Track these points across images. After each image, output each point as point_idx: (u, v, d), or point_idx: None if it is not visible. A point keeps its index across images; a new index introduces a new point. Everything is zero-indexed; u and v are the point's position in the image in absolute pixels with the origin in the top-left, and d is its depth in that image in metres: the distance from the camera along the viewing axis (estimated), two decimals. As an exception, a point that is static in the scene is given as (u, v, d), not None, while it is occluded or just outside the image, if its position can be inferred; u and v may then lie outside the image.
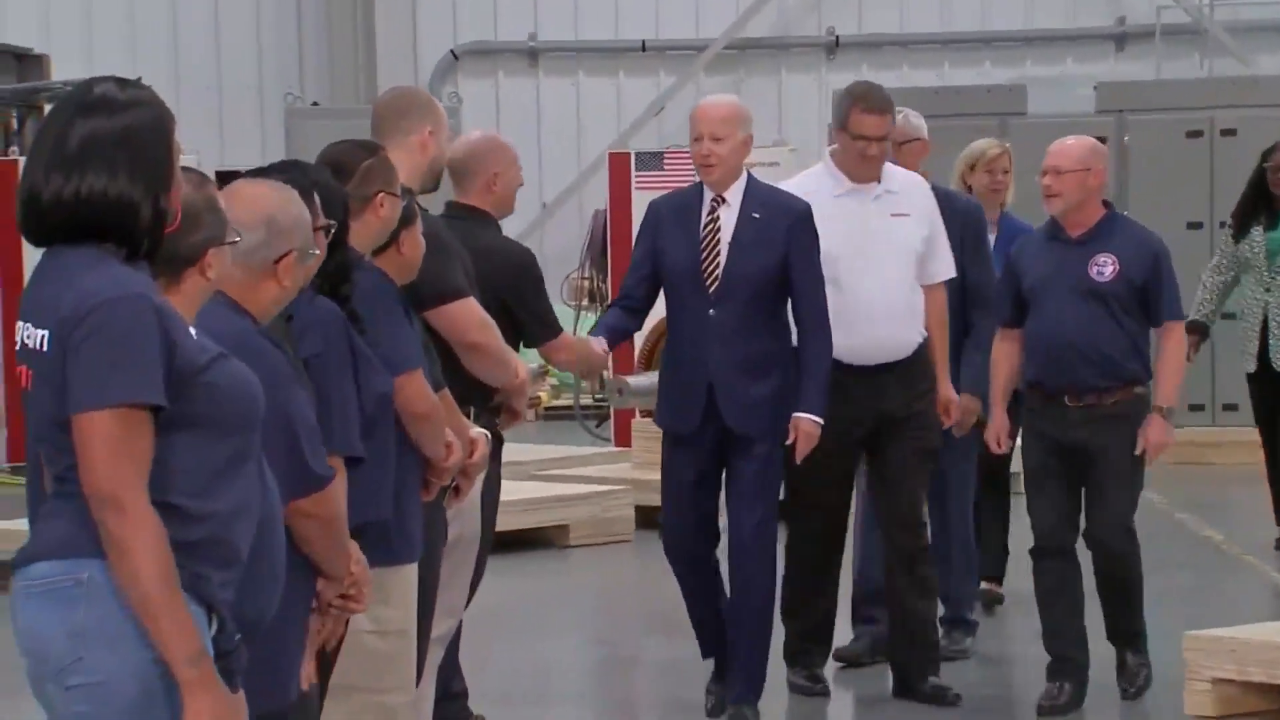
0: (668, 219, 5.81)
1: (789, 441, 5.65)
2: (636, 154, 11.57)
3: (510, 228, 19.34)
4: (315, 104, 15.85)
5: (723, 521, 5.83)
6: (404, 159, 4.92)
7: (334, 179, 4.08)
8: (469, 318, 5.00)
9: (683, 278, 5.73)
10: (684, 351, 5.74)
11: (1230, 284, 8.29)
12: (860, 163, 6.00)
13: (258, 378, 3.14)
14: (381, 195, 4.31)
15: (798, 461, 5.68)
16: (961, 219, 6.45)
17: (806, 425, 5.65)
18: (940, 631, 6.46)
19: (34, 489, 3.20)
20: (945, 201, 6.43)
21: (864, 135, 5.95)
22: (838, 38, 16.54)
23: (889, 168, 6.12)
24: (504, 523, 8.49)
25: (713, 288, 5.68)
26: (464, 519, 5.08)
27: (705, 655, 5.94)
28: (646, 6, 16.62)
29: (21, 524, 8.39)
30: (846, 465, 6.05)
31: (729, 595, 5.82)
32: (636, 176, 11.09)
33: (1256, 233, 8.23)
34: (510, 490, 8.91)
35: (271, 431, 3.30)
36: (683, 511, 5.77)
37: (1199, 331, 8.18)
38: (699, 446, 5.71)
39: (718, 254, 5.70)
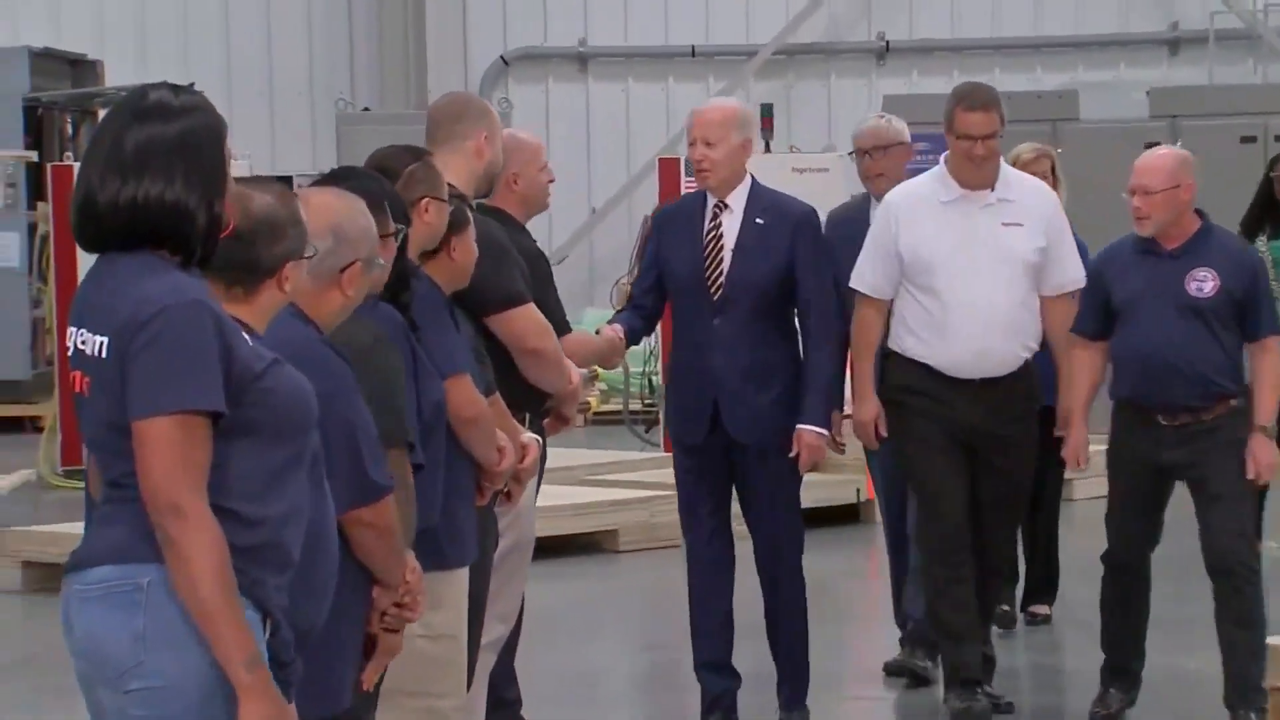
0: (671, 226, 5.74)
1: (792, 454, 5.56)
2: (686, 159, 11.55)
3: (559, 232, 19.22)
4: (366, 109, 15.92)
5: (740, 528, 5.78)
6: (460, 164, 4.94)
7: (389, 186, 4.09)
8: (529, 324, 5.00)
9: (686, 286, 5.65)
10: (689, 361, 5.67)
11: None
12: (967, 164, 5.79)
13: (321, 386, 3.16)
14: (426, 200, 4.31)
15: (802, 473, 5.59)
16: None
17: (809, 437, 5.56)
18: (904, 650, 6.42)
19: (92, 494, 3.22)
20: None
21: (969, 134, 5.75)
22: (888, 43, 16.49)
23: (1011, 174, 5.91)
24: (554, 527, 8.53)
25: (716, 295, 5.61)
26: (518, 526, 5.09)
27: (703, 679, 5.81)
28: (696, 12, 16.62)
29: (76, 527, 8.44)
30: (955, 464, 5.79)
31: (764, 607, 5.77)
32: (686, 182, 11.06)
33: (1260, 242, 8.16)
34: (560, 495, 8.95)
35: (333, 440, 3.32)
36: (698, 521, 5.72)
37: None
38: (709, 457, 5.65)
39: (721, 261, 5.62)
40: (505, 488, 4.59)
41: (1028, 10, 16.40)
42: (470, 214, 4.62)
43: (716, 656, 5.78)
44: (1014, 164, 6.95)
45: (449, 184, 4.56)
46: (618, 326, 5.73)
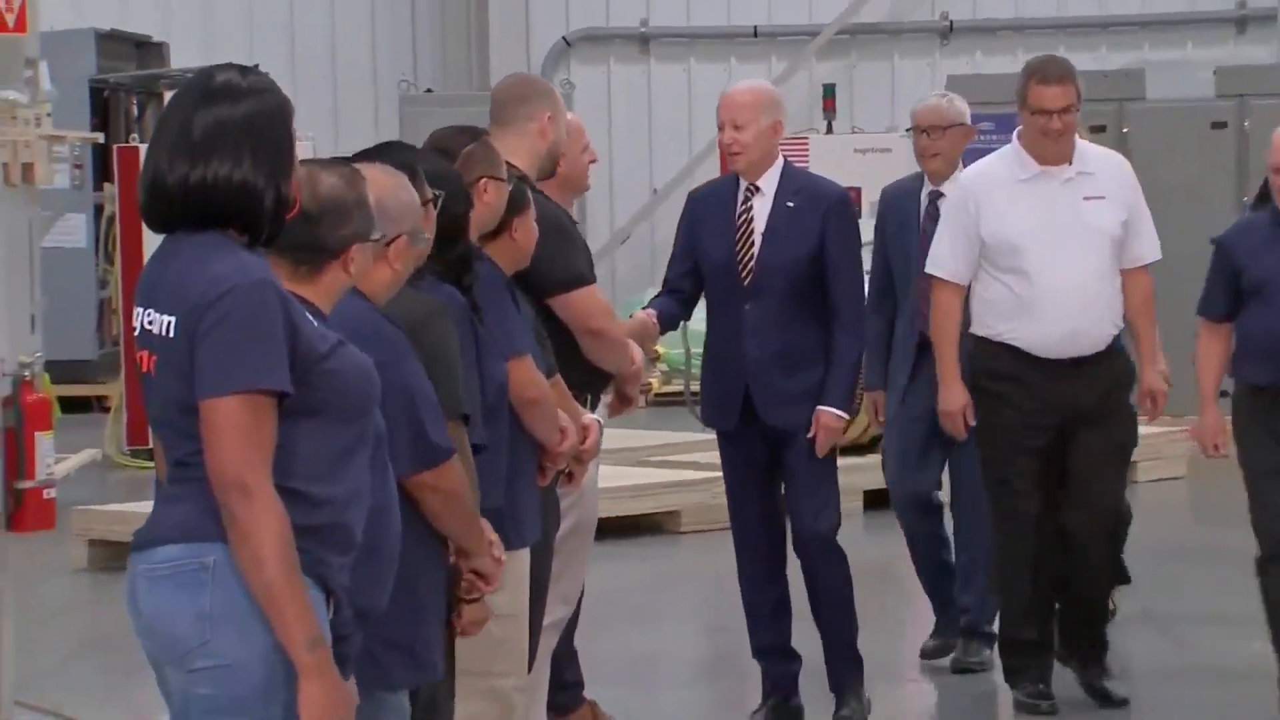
0: (703, 210, 5.70)
1: (809, 435, 5.51)
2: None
3: (621, 213, 19.17)
4: (429, 91, 15.95)
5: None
6: (524, 145, 4.95)
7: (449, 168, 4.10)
8: (592, 305, 5.01)
9: (718, 270, 5.61)
10: (721, 346, 5.63)
11: None
12: (1043, 140, 5.63)
13: (377, 355, 3.18)
14: (485, 180, 4.31)
15: (819, 455, 5.53)
16: None
17: (828, 419, 5.51)
18: (959, 644, 6.35)
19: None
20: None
21: (1044, 108, 5.60)
22: (951, 23, 16.40)
23: (1085, 147, 5.75)
24: (615, 508, 8.55)
25: (747, 280, 5.55)
26: (580, 507, 5.10)
27: (756, 654, 5.84)
28: (759, -8, 16.59)
29: (142, 506, 8.51)
30: (1042, 461, 5.66)
31: (807, 591, 5.72)
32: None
33: None
34: (621, 476, 8.97)
35: (392, 407, 3.34)
36: (743, 508, 5.70)
37: None
38: (746, 443, 5.62)
39: (751, 245, 5.57)
40: (567, 469, 4.59)
41: (1093, -11, 16.27)
42: (531, 194, 4.62)
43: (774, 641, 5.77)
44: None
45: (512, 164, 4.57)
46: (651, 311, 5.69)
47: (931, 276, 5.80)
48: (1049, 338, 5.63)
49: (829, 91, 13.23)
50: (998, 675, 6.17)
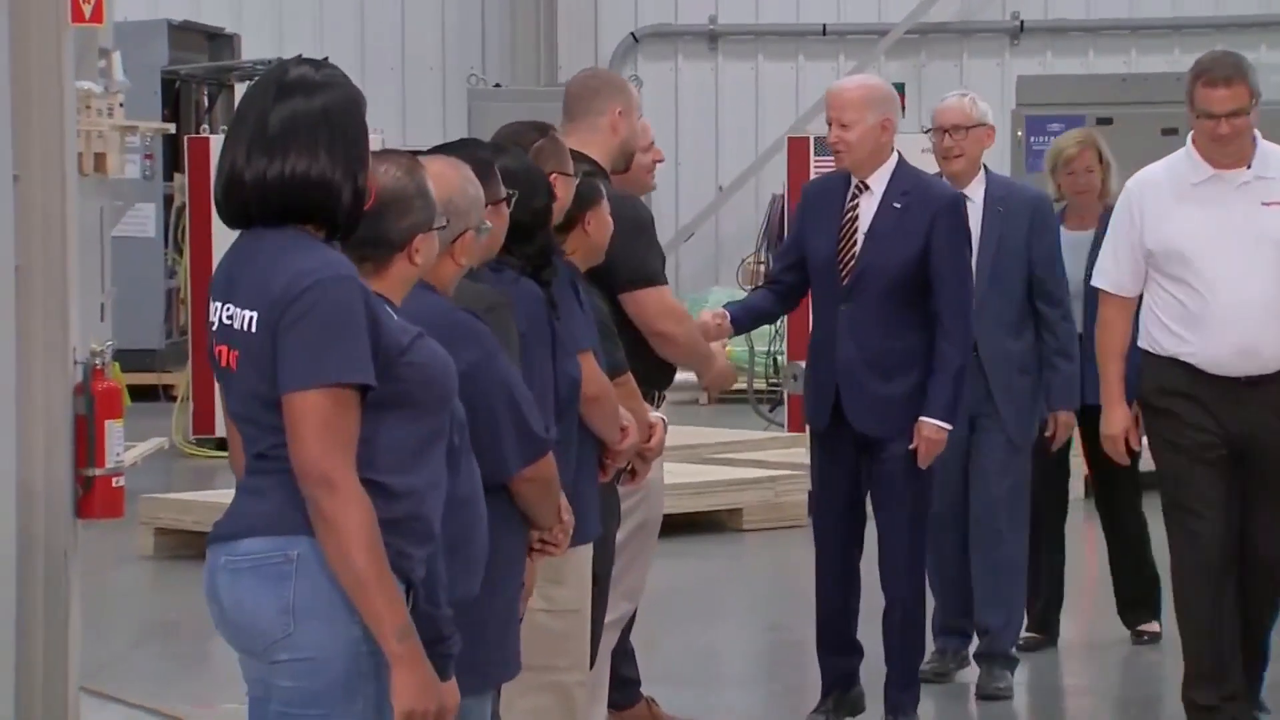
0: (815, 204, 5.60)
1: (911, 447, 5.41)
2: (816, 138, 11.50)
3: (686, 210, 19.11)
4: (497, 85, 16.00)
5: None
6: (596, 140, 4.94)
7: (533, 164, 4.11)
8: (659, 306, 4.98)
9: (820, 269, 5.52)
10: (819, 346, 5.56)
11: None
12: (1212, 144, 5.20)
13: (471, 354, 3.20)
14: (553, 175, 4.30)
15: (922, 467, 5.39)
16: (1031, 208, 6.07)
17: (929, 430, 5.39)
18: (980, 670, 6.14)
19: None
20: (1008, 190, 6.15)
21: (1209, 112, 5.18)
22: (1022, 23, 16.31)
23: (1270, 149, 5.28)
24: (677, 505, 8.55)
25: (846, 280, 5.45)
26: (647, 504, 5.10)
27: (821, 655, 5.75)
28: (828, -10, 16.55)
29: (208, 495, 8.57)
30: (1225, 479, 5.24)
31: (884, 602, 5.64)
32: (815, 161, 11.02)
33: None
34: (683, 473, 8.96)
35: (497, 406, 3.36)
36: (827, 504, 5.64)
37: None
38: (837, 444, 5.54)
39: (854, 245, 5.47)
40: (629, 466, 4.59)
41: (1166, -10, 16.16)
42: (605, 189, 4.62)
43: (839, 635, 5.72)
44: (1057, 160, 6.54)
45: (589, 158, 4.56)
46: (722, 312, 5.59)
47: (1096, 290, 5.47)
48: (1218, 353, 5.19)
49: (898, 90, 13.19)
50: (1028, 694, 6.07)
